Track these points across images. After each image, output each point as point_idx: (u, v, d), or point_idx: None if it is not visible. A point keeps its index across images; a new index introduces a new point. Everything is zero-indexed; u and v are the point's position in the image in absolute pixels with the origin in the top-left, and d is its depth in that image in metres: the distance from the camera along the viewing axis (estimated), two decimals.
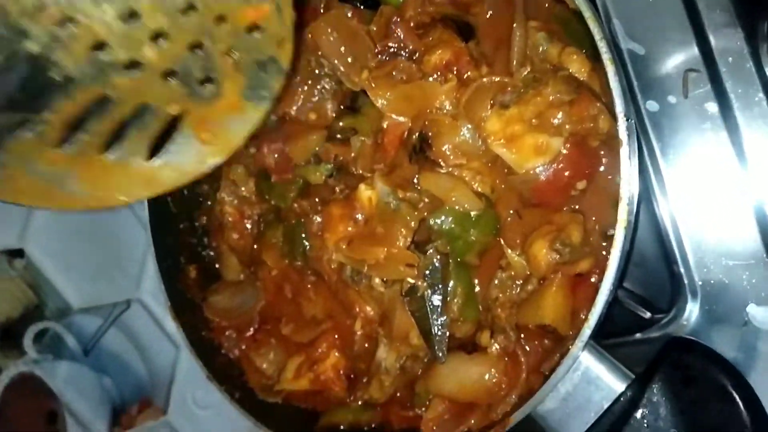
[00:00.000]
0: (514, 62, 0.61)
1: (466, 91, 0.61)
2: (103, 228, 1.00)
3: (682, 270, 0.70)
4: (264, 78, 0.54)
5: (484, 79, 0.60)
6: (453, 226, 0.62)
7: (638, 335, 0.72)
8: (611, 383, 0.56)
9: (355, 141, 0.68)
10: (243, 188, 0.77)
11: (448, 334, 0.63)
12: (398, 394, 0.70)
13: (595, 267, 0.59)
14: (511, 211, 0.63)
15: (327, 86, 0.70)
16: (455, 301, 0.64)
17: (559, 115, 0.57)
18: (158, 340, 1.05)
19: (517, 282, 0.63)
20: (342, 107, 0.71)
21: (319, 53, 0.69)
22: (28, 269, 0.89)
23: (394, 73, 0.65)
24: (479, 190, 0.62)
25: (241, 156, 0.75)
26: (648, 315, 0.71)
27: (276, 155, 0.71)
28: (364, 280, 0.67)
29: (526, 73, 0.60)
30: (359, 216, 0.65)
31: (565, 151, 0.58)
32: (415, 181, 0.64)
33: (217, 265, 0.82)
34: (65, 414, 0.86)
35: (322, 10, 0.70)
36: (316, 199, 0.71)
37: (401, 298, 0.65)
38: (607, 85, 0.54)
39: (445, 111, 0.63)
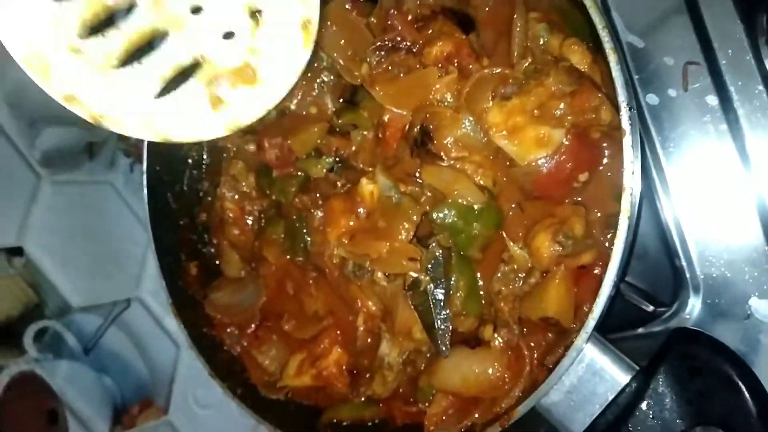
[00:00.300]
0: (515, 54, 0.60)
1: (467, 82, 0.61)
2: (102, 226, 1.00)
3: (684, 264, 0.70)
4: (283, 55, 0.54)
5: (486, 71, 0.60)
6: (456, 219, 0.62)
7: (640, 330, 0.72)
8: (616, 375, 0.56)
9: (356, 135, 0.68)
10: (243, 184, 0.77)
11: (451, 327, 0.63)
12: (401, 390, 0.69)
13: (598, 259, 0.59)
14: (513, 205, 0.63)
15: (326, 79, 0.70)
16: (458, 294, 0.63)
17: (561, 106, 0.57)
18: (158, 338, 1.05)
19: (520, 275, 0.62)
20: (342, 101, 0.71)
21: (319, 46, 0.68)
22: (28, 267, 0.88)
23: (390, 67, 0.65)
24: (481, 183, 0.62)
25: (241, 151, 0.75)
26: (651, 308, 0.71)
27: (276, 150, 0.71)
28: (366, 275, 0.66)
29: (527, 64, 0.60)
30: (361, 210, 0.65)
31: (566, 143, 0.58)
32: (417, 174, 0.64)
33: (217, 262, 0.82)
34: (66, 413, 0.85)
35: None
36: (317, 195, 0.71)
37: (404, 293, 0.65)
38: (609, 75, 0.54)
39: (446, 104, 0.62)
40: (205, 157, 0.82)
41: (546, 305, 0.59)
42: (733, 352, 0.56)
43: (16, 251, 0.87)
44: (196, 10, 0.53)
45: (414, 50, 0.65)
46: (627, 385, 0.55)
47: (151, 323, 1.04)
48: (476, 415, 0.63)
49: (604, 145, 0.59)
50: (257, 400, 0.73)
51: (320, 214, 0.69)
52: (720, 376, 0.53)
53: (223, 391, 0.72)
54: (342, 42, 0.67)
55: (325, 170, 0.69)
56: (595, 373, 0.56)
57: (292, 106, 0.71)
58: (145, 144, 0.74)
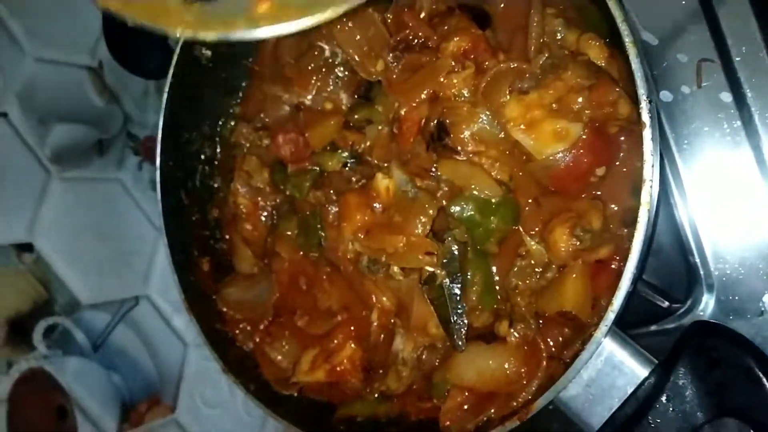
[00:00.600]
0: (532, 49, 0.61)
1: (485, 77, 0.61)
2: (111, 224, 0.99)
3: (697, 260, 0.69)
4: None
5: (503, 65, 0.60)
6: (473, 213, 0.62)
7: (654, 327, 0.72)
8: (635, 368, 0.56)
9: (371, 130, 0.68)
10: (257, 179, 0.77)
11: (467, 322, 0.63)
12: (415, 386, 0.69)
13: (615, 254, 0.59)
14: (530, 200, 0.63)
15: (341, 75, 0.70)
16: (474, 289, 0.63)
17: (579, 99, 0.57)
18: (166, 337, 1.05)
19: (537, 270, 0.62)
20: (356, 96, 0.71)
21: (334, 42, 0.69)
22: (38, 263, 0.88)
23: (405, 68, 0.64)
24: (498, 177, 0.62)
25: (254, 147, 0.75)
26: (666, 304, 0.71)
27: (291, 145, 0.71)
28: (381, 270, 0.66)
29: (544, 59, 0.60)
30: (377, 205, 0.65)
31: (584, 137, 0.58)
32: (433, 169, 0.64)
33: (230, 258, 0.82)
34: (75, 410, 0.85)
35: None
36: (331, 190, 0.71)
37: (419, 288, 0.64)
38: (626, 69, 0.54)
39: (463, 98, 0.63)
40: (218, 152, 0.82)
41: (564, 299, 0.59)
42: (752, 343, 0.56)
43: (26, 247, 0.87)
44: None
45: (429, 45, 0.65)
46: (646, 378, 0.55)
47: (160, 321, 1.03)
48: (492, 411, 0.62)
49: (621, 139, 0.59)
50: (270, 397, 0.73)
51: (335, 209, 0.69)
52: (739, 367, 0.52)
53: (236, 386, 0.71)
54: (358, 38, 0.67)
55: (340, 164, 0.69)
56: (614, 366, 0.56)
57: (307, 102, 0.71)
58: (159, 139, 0.74)
